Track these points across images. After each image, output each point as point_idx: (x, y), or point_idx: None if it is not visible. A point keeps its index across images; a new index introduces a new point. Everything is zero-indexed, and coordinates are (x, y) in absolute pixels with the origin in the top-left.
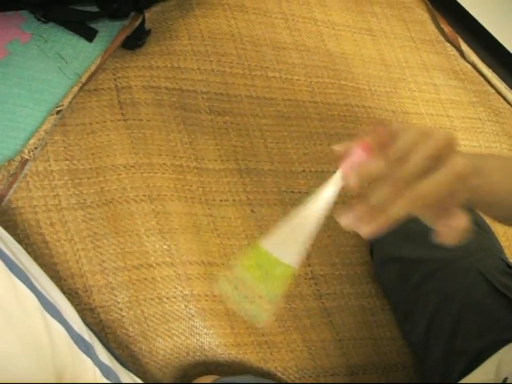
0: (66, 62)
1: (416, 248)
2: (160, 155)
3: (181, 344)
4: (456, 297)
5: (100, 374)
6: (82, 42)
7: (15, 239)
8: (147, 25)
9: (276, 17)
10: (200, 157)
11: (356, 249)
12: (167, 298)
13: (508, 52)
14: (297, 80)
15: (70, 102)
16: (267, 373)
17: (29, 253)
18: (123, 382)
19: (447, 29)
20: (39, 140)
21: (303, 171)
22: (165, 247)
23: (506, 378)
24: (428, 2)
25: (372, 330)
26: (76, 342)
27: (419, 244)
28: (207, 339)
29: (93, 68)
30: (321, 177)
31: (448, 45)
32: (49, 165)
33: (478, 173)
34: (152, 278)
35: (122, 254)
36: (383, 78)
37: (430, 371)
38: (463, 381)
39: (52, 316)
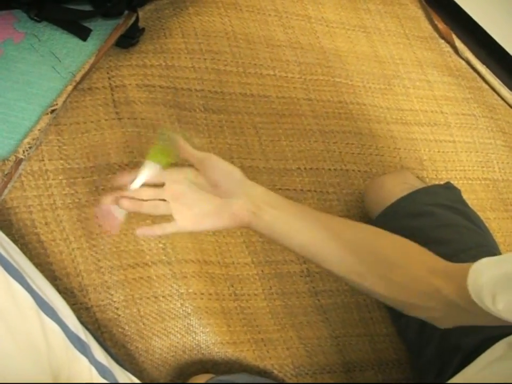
0: (60, 61)
1: None
2: None
3: (177, 342)
4: None
5: (96, 373)
6: (76, 41)
7: (10, 239)
8: (141, 24)
9: (270, 15)
10: None
11: None
12: (163, 297)
13: (501, 48)
14: (291, 77)
15: (64, 101)
16: (263, 370)
17: (24, 252)
18: (119, 381)
19: (440, 25)
20: (33, 139)
21: (298, 168)
22: (161, 245)
23: None
24: None
25: (368, 327)
26: (71, 341)
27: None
28: (203, 337)
29: (87, 66)
30: (316, 175)
31: (442, 41)
32: (44, 165)
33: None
34: (148, 277)
35: (118, 253)
36: (377, 75)
37: (425, 367)
38: (454, 379)
39: (48, 315)
